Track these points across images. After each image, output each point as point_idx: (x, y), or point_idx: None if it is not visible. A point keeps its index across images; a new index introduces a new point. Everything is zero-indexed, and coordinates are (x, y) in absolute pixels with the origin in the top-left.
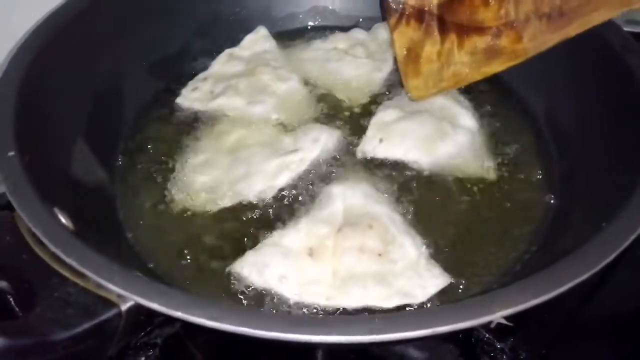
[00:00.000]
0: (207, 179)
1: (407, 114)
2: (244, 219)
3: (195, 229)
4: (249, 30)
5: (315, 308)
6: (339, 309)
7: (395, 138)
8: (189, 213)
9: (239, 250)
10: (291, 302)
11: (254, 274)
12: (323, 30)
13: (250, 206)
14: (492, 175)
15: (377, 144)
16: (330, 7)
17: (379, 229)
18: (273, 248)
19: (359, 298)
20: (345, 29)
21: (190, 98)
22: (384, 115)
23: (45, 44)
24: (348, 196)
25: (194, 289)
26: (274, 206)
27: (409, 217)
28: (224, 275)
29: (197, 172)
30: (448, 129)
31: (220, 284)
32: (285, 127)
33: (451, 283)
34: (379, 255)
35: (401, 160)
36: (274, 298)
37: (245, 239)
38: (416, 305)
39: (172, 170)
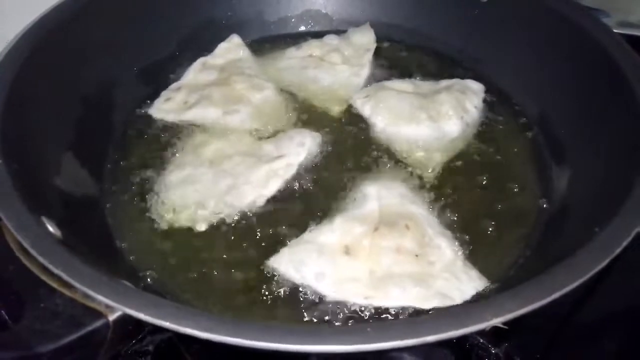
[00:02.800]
0: (193, 195)
1: (407, 93)
2: (239, 229)
3: (188, 243)
4: (240, 35)
5: (353, 306)
6: (378, 308)
7: (374, 101)
8: (179, 228)
9: (238, 258)
10: (328, 299)
11: (290, 270)
12: (315, 35)
13: (244, 217)
14: (429, 176)
15: (364, 98)
16: (323, 12)
17: (415, 230)
18: (308, 245)
19: (398, 298)
20: (339, 33)
21: (164, 109)
22: (394, 83)
23: (34, 50)
24: (383, 196)
25: (188, 296)
26: (270, 214)
27: None
28: (231, 282)
29: (181, 189)
30: (422, 117)
31: (219, 291)
32: (263, 136)
33: None
34: (416, 256)
35: (366, 118)
36: (311, 295)
37: (243, 247)
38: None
39: (157, 184)
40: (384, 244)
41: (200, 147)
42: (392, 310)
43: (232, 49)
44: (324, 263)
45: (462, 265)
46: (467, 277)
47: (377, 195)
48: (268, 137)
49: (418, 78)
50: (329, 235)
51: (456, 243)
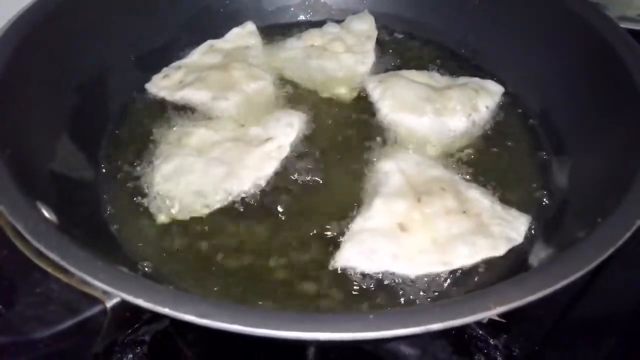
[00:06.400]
0: (188, 185)
1: (419, 83)
2: (240, 216)
3: (188, 232)
4: (238, 23)
5: (438, 276)
6: (458, 269)
7: (384, 86)
8: (177, 218)
9: (244, 248)
10: (412, 276)
11: (363, 261)
12: (314, 25)
13: (243, 202)
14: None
15: (377, 83)
16: (322, 1)
17: (451, 190)
18: (367, 233)
19: (472, 255)
20: (337, 22)
21: (159, 85)
22: (410, 73)
23: (28, 35)
24: (404, 168)
25: (185, 285)
26: (271, 197)
27: None
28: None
29: (174, 180)
30: (427, 109)
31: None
32: (245, 123)
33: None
34: (464, 212)
35: (374, 103)
36: (394, 279)
37: (252, 234)
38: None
39: (150, 175)
40: (432, 211)
41: (184, 137)
42: (471, 268)
43: (243, 36)
44: (392, 245)
45: (501, 208)
46: (511, 216)
47: (398, 168)
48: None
49: (435, 70)
50: (377, 218)
51: (484, 189)
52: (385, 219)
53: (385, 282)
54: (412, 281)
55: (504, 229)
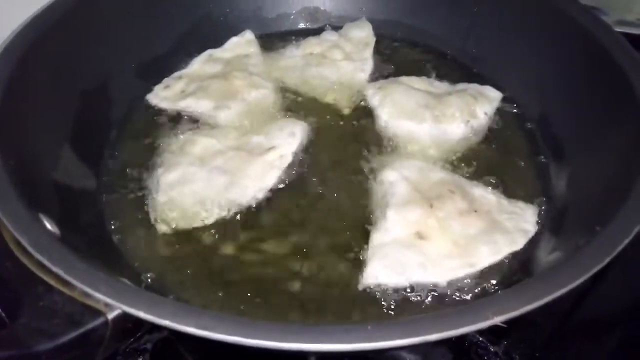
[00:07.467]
0: (191, 195)
1: (418, 90)
2: (243, 226)
3: (191, 243)
4: (239, 31)
5: (468, 278)
6: (487, 268)
7: (383, 92)
8: (179, 228)
9: (251, 257)
10: (444, 283)
11: (393, 276)
12: (315, 32)
13: (246, 212)
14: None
15: (376, 89)
16: (321, 8)
17: (459, 192)
18: (389, 246)
19: (495, 252)
20: (335, 29)
21: (160, 96)
22: (409, 79)
23: (31, 45)
24: (407, 175)
25: (186, 295)
26: (273, 207)
27: None
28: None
29: (177, 190)
30: (425, 116)
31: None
32: (247, 132)
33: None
34: (475, 211)
35: (373, 110)
36: (424, 289)
37: (255, 245)
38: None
39: (152, 185)
40: (446, 214)
41: (187, 146)
42: (499, 264)
43: (242, 44)
44: (416, 255)
45: (507, 202)
46: (519, 208)
47: (401, 176)
48: (251, 132)
49: (434, 76)
50: (394, 230)
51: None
52: (402, 229)
53: (415, 294)
54: (443, 288)
55: (517, 222)
